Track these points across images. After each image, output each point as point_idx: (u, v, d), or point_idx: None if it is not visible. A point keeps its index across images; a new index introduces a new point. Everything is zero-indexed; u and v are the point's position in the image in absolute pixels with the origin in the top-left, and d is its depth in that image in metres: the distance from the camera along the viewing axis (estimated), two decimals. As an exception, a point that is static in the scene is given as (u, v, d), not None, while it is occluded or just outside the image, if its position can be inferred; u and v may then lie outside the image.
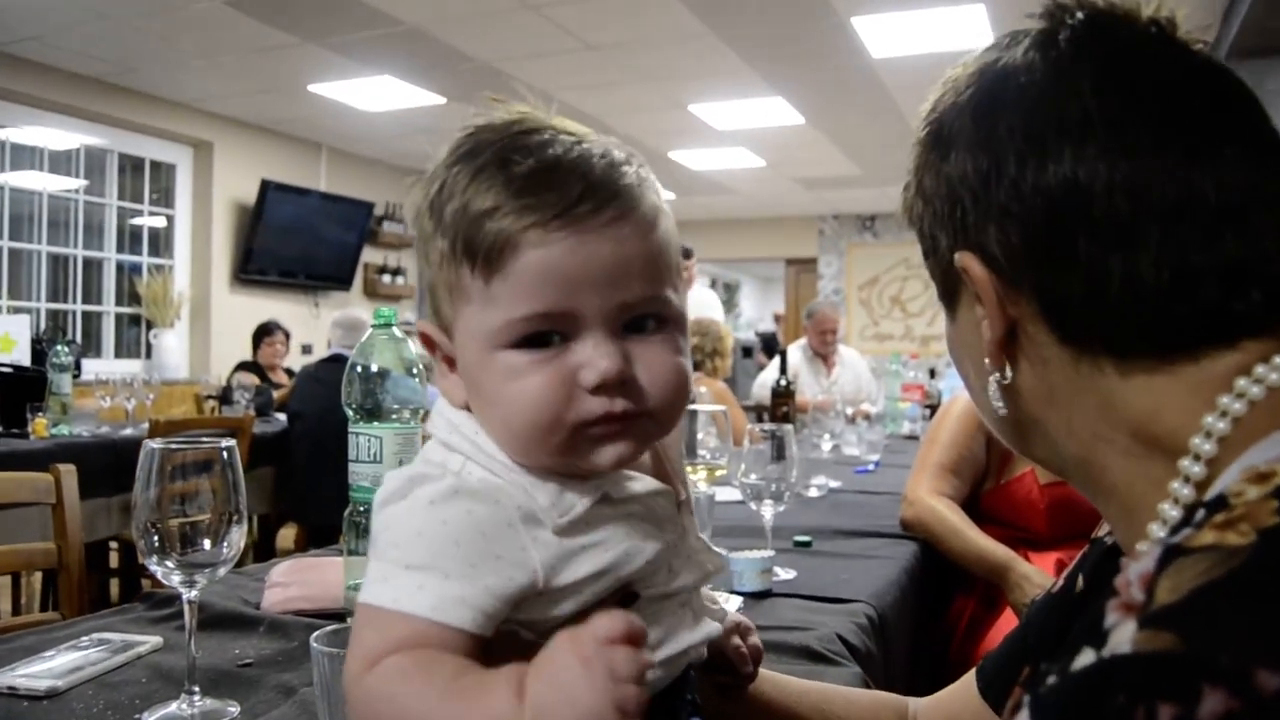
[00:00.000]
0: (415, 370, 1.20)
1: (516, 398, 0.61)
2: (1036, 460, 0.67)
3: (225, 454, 1.01)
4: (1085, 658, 0.41)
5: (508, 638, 0.60)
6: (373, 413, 1.19)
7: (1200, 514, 0.46)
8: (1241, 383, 0.53)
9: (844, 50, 5.56)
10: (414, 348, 1.21)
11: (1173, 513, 0.54)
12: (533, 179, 0.60)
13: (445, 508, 0.60)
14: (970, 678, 0.85)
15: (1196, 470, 0.53)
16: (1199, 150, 0.54)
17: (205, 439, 1.03)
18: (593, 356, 0.60)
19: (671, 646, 0.67)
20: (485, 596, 0.58)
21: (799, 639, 1.22)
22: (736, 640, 0.81)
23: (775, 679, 0.87)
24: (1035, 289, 0.57)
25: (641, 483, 0.66)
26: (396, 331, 1.21)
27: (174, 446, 0.99)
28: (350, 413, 1.19)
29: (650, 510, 0.67)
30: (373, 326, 1.21)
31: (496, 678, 0.54)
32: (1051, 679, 0.43)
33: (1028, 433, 0.64)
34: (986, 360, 0.62)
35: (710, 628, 0.72)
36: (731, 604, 1.39)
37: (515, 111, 0.66)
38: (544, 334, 0.61)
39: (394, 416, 1.19)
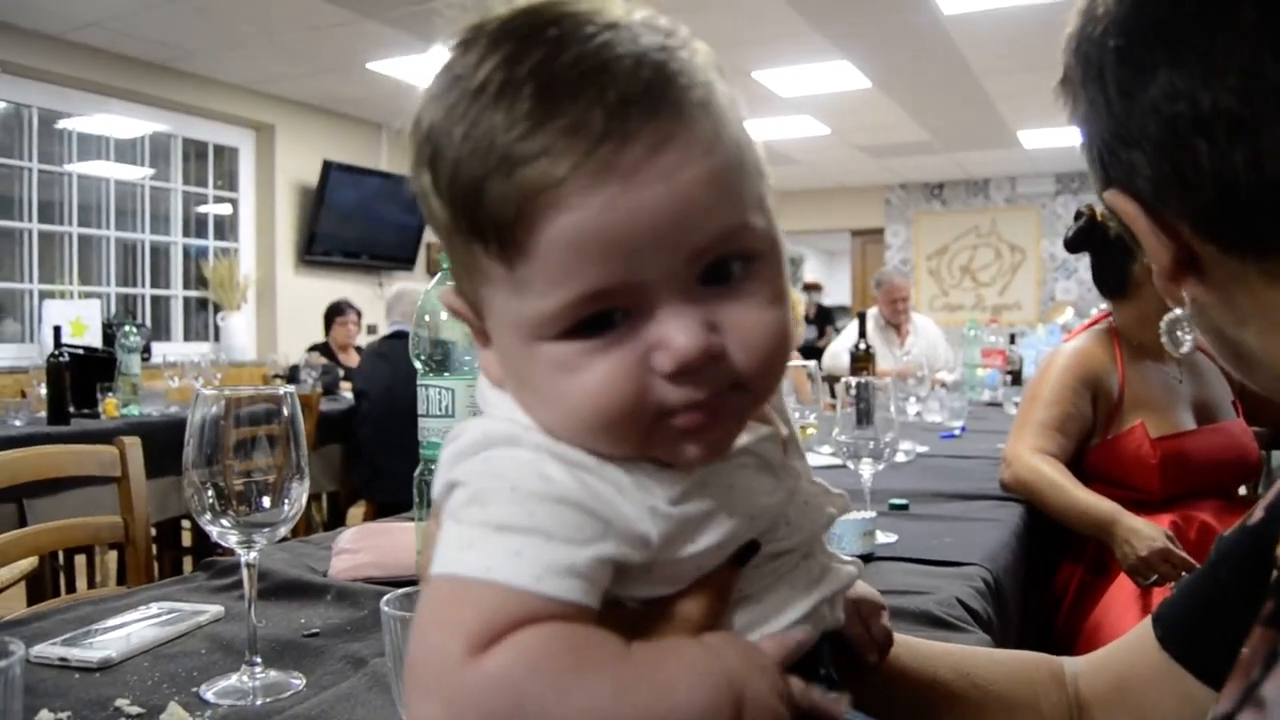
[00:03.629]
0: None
1: (573, 395, 0.48)
2: (1268, 392, 0.60)
3: (286, 402, 0.92)
4: None
5: (608, 607, 0.49)
6: (442, 364, 1.11)
7: None
8: None
9: (913, 7, 5.36)
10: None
11: None
12: (540, 112, 0.44)
13: (543, 463, 0.49)
14: (1142, 630, 0.73)
15: None
16: None
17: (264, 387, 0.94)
18: (668, 333, 0.46)
19: (799, 608, 0.56)
20: (596, 566, 0.47)
21: (916, 604, 1.11)
22: (859, 626, 0.69)
23: (909, 643, 0.75)
24: (1182, 209, 0.53)
25: (746, 430, 0.54)
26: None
27: (230, 394, 0.90)
28: (419, 365, 1.11)
29: (763, 460, 0.55)
30: (441, 271, 1.12)
31: (676, 645, 0.48)
32: None
33: (1243, 360, 0.59)
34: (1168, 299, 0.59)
35: (843, 576, 0.61)
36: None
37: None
38: (599, 315, 0.47)
39: (465, 368, 1.10)
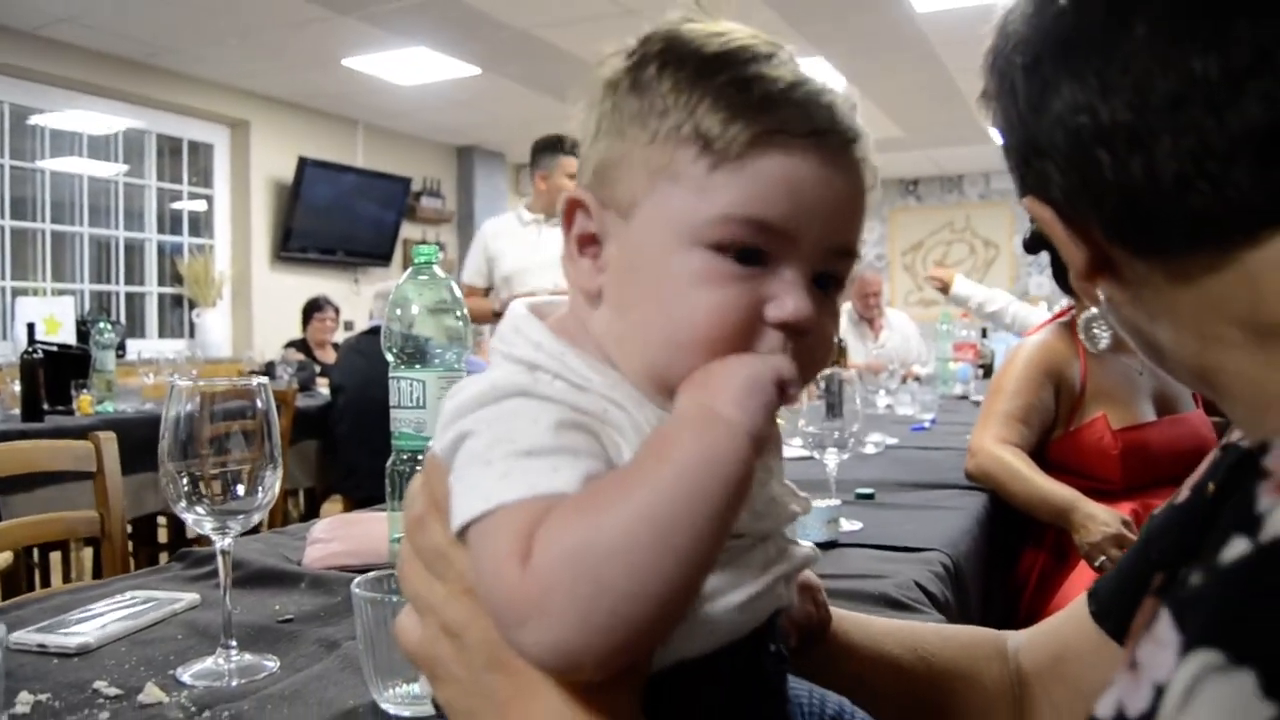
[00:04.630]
0: (459, 313, 1.13)
1: (697, 304, 0.54)
2: (1183, 382, 0.63)
3: (259, 392, 0.94)
4: (1237, 548, 0.37)
5: None
6: (414, 356, 1.13)
7: None
8: None
9: (887, 5, 5.41)
10: (455, 290, 1.15)
11: None
12: (803, 84, 0.56)
13: (555, 409, 0.53)
14: (1079, 605, 0.77)
15: None
16: (1189, 31, 0.51)
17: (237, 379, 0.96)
18: (790, 291, 0.55)
19: (751, 587, 0.59)
20: None
21: (874, 587, 1.14)
22: (798, 604, 0.72)
23: (859, 619, 0.78)
24: (1092, 215, 0.56)
25: None
26: (438, 271, 1.14)
27: (203, 384, 0.93)
28: (391, 358, 1.13)
29: None
30: (414, 264, 1.14)
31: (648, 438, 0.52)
32: (1196, 578, 0.39)
33: (1157, 354, 0.62)
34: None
35: (799, 557, 0.64)
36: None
37: (721, 27, 0.59)
38: (750, 250, 0.54)
39: (436, 360, 1.13)
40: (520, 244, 3.84)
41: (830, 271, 0.57)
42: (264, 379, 0.97)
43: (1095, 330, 0.67)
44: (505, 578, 0.48)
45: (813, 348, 0.57)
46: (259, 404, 0.95)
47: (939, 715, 0.77)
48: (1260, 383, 0.53)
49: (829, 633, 0.75)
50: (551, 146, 3.77)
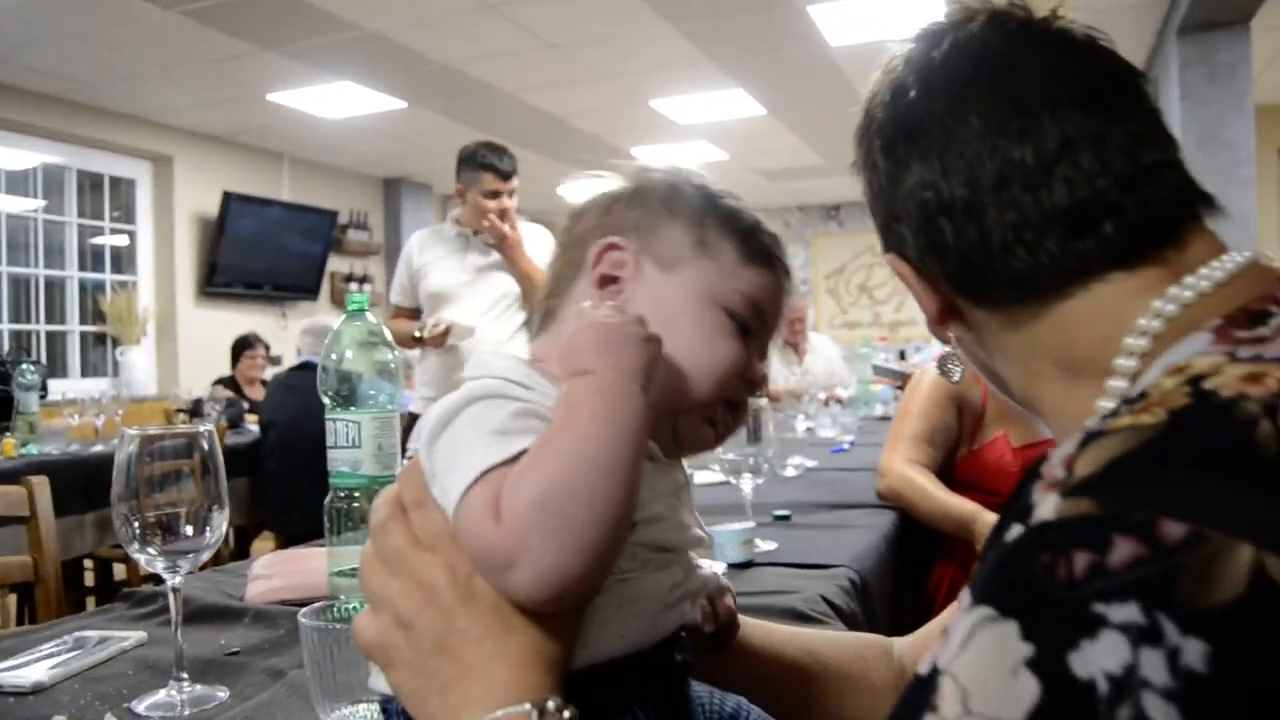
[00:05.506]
0: (391, 359, 1.20)
1: (715, 348, 0.71)
2: (1021, 406, 0.74)
3: (205, 440, 1.01)
4: (1014, 531, 0.46)
5: None
6: (349, 398, 1.19)
7: (1123, 407, 0.50)
8: (1156, 303, 0.59)
9: (802, 39, 5.60)
10: (388, 334, 1.22)
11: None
12: (762, 229, 0.76)
13: (519, 402, 0.63)
14: (951, 610, 0.87)
15: (1121, 385, 0.59)
16: (1009, 124, 0.63)
17: (184, 427, 1.03)
18: (762, 360, 0.75)
19: (659, 603, 0.68)
20: None
21: (784, 602, 1.24)
22: (706, 602, 0.82)
23: (761, 626, 0.88)
24: (939, 272, 0.68)
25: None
26: (370, 318, 1.21)
27: (152, 433, 0.99)
28: (327, 400, 1.19)
29: (665, 472, 0.72)
30: (347, 313, 1.21)
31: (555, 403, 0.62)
32: (988, 557, 0.47)
33: (1000, 383, 0.74)
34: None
35: (702, 580, 0.73)
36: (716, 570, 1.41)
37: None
38: (746, 324, 0.73)
39: (370, 402, 1.19)
40: (446, 259, 3.62)
41: (765, 355, 0.76)
42: (209, 426, 1.03)
43: (949, 366, 0.80)
44: (485, 535, 0.57)
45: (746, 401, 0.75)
46: (204, 446, 1.01)
47: (832, 712, 0.86)
48: (1067, 409, 0.64)
49: (734, 638, 0.84)
50: (470, 158, 3.56)
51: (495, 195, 3.48)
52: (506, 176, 3.51)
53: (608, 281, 0.73)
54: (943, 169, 0.64)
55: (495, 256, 3.53)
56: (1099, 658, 0.39)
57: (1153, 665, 0.38)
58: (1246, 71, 5.38)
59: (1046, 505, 0.45)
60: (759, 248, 0.74)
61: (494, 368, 0.68)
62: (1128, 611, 0.39)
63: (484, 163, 3.51)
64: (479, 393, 0.64)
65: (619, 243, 0.73)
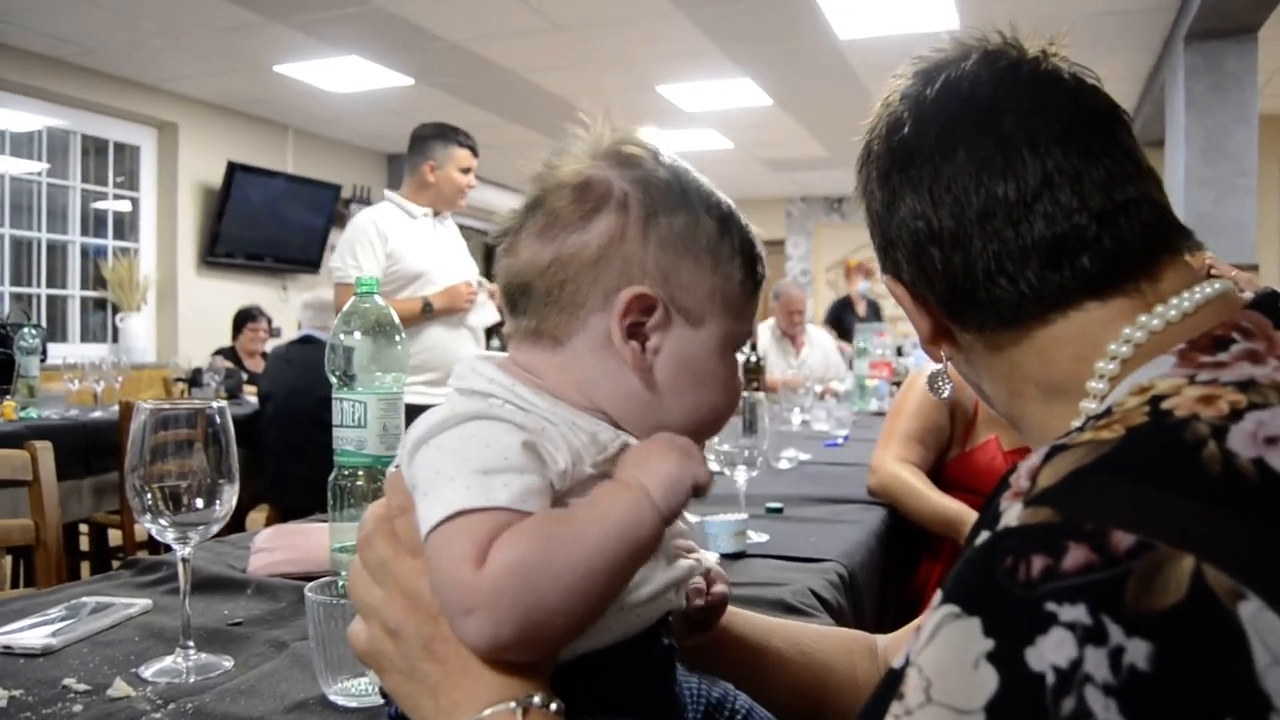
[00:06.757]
0: (398, 337, 1.23)
1: (735, 387, 0.76)
2: (1007, 423, 0.79)
3: (216, 414, 1.04)
4: (982, 537, 0.50)
5: None
6: (356, 379, 1.21)
7: (1088, 423, 0.55)
8: (1127, 330, 0.64)
9: (811, 30, 5.60)
10: (395, 318, 1.24)
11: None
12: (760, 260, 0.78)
13: (504, 424, 0.65)
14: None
15: (1092, 406, 0.64)
16: (993, 160, 0.67)
17: (197, 401, 1.06)
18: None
19: (647, 588, 0.71)
20: (549, 490, 0.64)
21: (773, 594, 1.27)
22: (699, 582, 0.85)
23: (748, 616, 0.91)
24: (931, 296, 0.72)
25: None
26: (378, 299, 1.24)
27: (165, 408, 1.02)
28: (334, 379, 1.21)
29: None
30: (356, 294, 1.23)
31: (597, 490, 0.65)
32: (960, 562, 0.51)
33: (986, 397, 0.78)
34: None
35: (684, 566, 0.76)
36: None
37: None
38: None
39: (377, 382, 1.22)
40: (418, 240, 3.56)
41: None
42: (221, 402, 1.06)
43: (938, 383, 0.85)
44: (460, 575, 0.60)
45: None
46: (216, 421, 1.04)
47: (816, 702, 0.90)
48: (1048, 428, 0.68)
49: (723, 629, 0.87)
50: (442, 135, 3.55)
51: (467, 171, 3.56)
52: (476, 153, 3.61)
53: (636, 328, 0.71)
54: (932, 201, 0.69)
55: (459, 238, 3.71)
56: (1049, 652, 0.43)
57: (1096, 662, 0.42)
58: (1252, 81, 5.39)
59: (1011, 513, 0.49)
60: (759, 279, 0.77)
61: (476, 380, 0.71)
62: (1076, 612, 0.43)
63: (458, 140, 3.56)
64: (469, 413, 0.66)
65: (650, 294, 0.70)
